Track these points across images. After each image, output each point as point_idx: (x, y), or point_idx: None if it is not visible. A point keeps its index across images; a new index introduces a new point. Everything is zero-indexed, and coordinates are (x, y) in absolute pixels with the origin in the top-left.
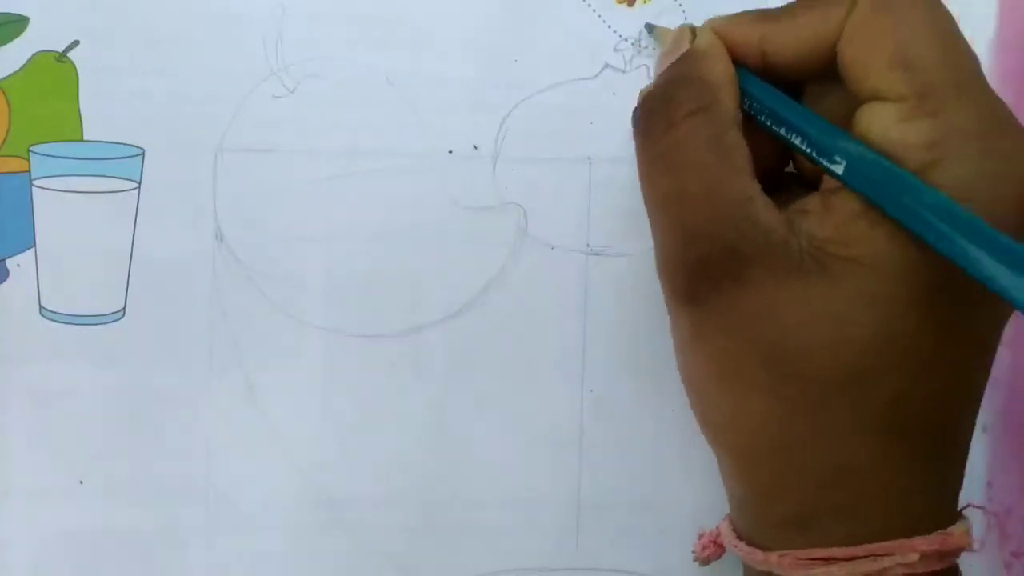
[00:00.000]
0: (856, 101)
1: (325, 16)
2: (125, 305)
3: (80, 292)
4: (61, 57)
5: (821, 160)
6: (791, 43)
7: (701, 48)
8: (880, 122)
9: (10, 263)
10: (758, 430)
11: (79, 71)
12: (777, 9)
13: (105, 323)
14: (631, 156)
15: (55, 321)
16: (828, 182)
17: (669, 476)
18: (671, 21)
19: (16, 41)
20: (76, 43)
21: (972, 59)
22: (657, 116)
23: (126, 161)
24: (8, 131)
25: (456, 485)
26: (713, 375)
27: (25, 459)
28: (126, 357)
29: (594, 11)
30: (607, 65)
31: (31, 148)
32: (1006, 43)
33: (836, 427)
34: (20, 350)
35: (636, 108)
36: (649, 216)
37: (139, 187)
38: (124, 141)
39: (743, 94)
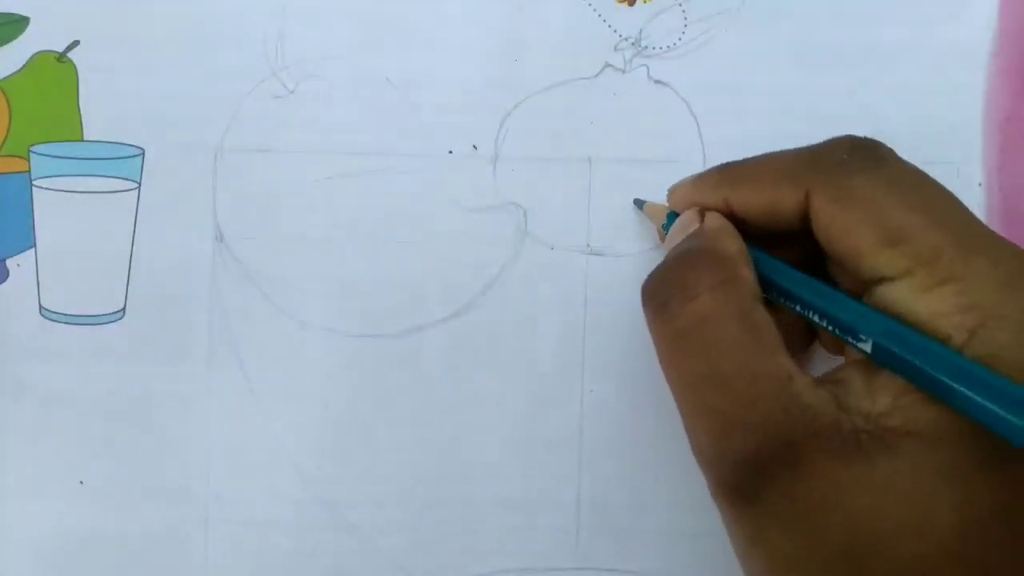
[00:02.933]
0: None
1: (325, 16)
2: (125, 305)
3: (80, 292)
4: (61, 57)
5: (846, 338)
6: (753, 211)
7: (713, 226)
8: (899, 300)
9: (10, 263)
10: None
11: (79, 71)
12: (738, 169)
13: (105, 323)
14: (631, 156)
15: (55, 321)
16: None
17: (669, 476)
18: (671, 21)
19: (16, 41)
20: (76, 43)
21: (958, 208)
22: (673, 289)
23: (126, 161)
24: (8, 131)
25: (456, 485)
26: (780, 574)
27: (25, 459)
28: (126, 357)
29: (594, 11)
30: (607, 65)
31: (31, 148)
32: (1006, 42)
33: None
34: (20, 350)
35: (645, 284)
36: (677, 400)
37: (139, 187)
38: (124, 141)
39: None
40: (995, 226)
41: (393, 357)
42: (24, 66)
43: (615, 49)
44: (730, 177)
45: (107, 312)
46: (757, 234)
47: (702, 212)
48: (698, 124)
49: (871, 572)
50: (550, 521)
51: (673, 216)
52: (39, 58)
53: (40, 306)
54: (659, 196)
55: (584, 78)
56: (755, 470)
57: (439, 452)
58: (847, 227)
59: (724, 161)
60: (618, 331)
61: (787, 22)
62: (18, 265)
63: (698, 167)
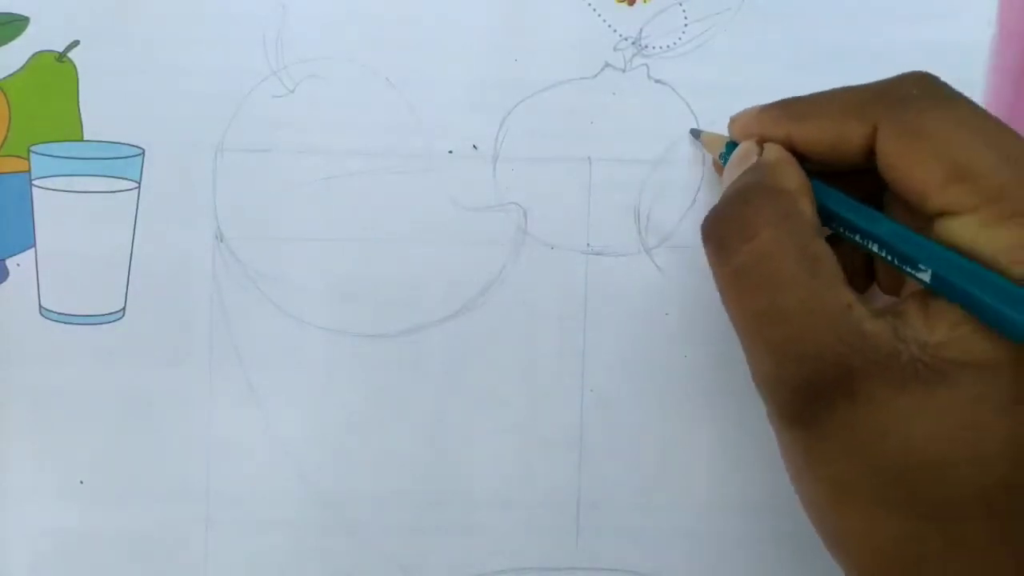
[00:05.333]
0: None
1: (325, 16)
2: (125, 305)
3: (80, 292)
4: (61, 57)
5: (904, 267)
6: (817, 146)
7: (771, 159)
8: (963, 234)
9: (10, 263)
10: (890, 550)
11: (79, 71)
12: (802, 104)
13: (105, 323)
14: (631, 156)
15: (55, 321)
16: (915, 283)
17: (669, 476)
18: (671, 21)
19: (16, 41)
20: (76, 43)
21: (1021, 141)
22: (732, 226)
23: (126, 161)
24: (8, 131)
25: (456, 485)
26: (836, 497)
27: (25, 459)
28: (126, 357)
29: (594, 11)
30: (607, 65)
31: (31, 148)
32: (1006, 41)
33: (975, 541)
34: (20, 350)
35: (704, 222)
36: (739, 333)
37: (139, 187)
38: (124, 141)
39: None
40: None
41: (393, 357)
42: (24, 66)
43: (615, 49)
44: (794, 111)
45: (107, 312)
46: (817, 170)
47: (761, 143)
48: (698, 124)
49: (925, 497)
50: (550, 521)
51: (732, 147)
52: (39, 58)
53: (40, 306)
54: (660, 196)
55: (584, 78)
56: (813, 396)
57: (439, 452)
58: (914, 163)
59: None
60: (618, 331)
61: (787, 22)
62: (18, 265)
63: (698, 167)
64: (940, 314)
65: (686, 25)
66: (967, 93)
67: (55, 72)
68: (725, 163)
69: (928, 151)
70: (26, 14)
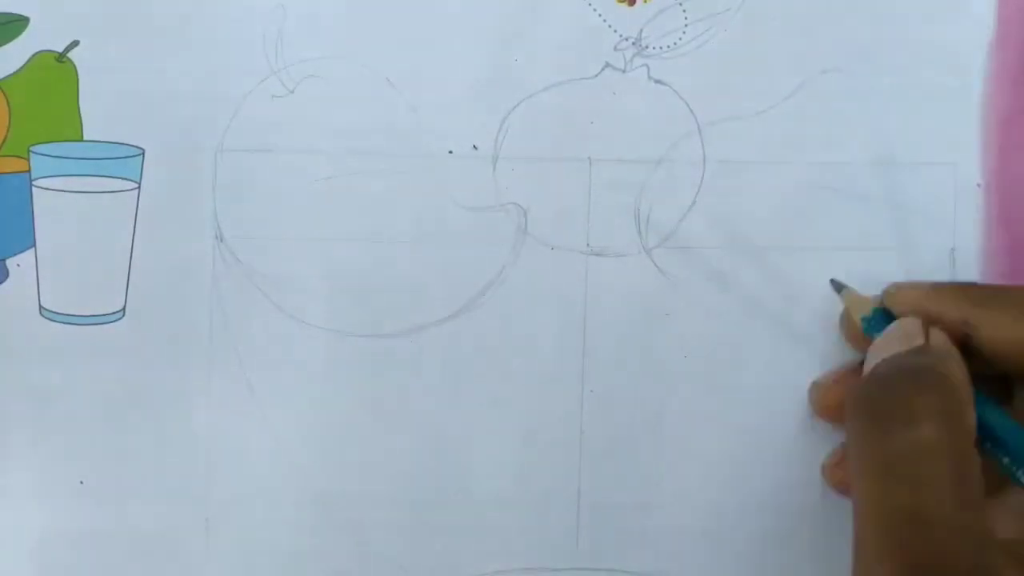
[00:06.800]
0: None
1: (325, 16)
2: (125, 305)
3: (80, 292)
4: (61, 57)
5: None
6: (1001, 340)
7: (942, 347)
8: None
9: (10, 263)
10: None
11: (79, 71)
12: (987, 291)
13: (105, 323)
14: (631, 156)
15: (55, 321)
16: None
17: (669, 476)
18: (671, 21)
19: (16, 41)
20: (76, 43)
21: None
22: (895, 405)
23: (126, 161)
24: (8, 131)
25: (456, 485)
26: None
27: (25, 459)
28: (126, 357)
29: (594, 11)
30: (607, 65)
31: (31, 148)
32: (1005, 43)
33: None
34: (20, 350)
35: (860, 390)
36: (861, 517)
37: (139, 187)
38: (124, 141)
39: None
40: (993, 228)
41: (393, 357)
42: (24, 66)
43: (615, 49)
44: (978, 296)
45: (107, 312)
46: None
47: (926, 325)
48: (698, 124)
49: None
50: (550, 521)
51: (880, 313)
52: (39, 58)
53: (40, 306)
54: (660, 196)
55: (584, 78)
56: None
57: (439, 452)
58: None
59: (724, 160)
60: (618, 331)
61: (787, 22)
62: (18, 265)
63: (698, 167)
64: None
65: (686, 25)
66: (965, 94)
67: (55, 72)
68: (866, 328)
69: None
70: (26, 14)
